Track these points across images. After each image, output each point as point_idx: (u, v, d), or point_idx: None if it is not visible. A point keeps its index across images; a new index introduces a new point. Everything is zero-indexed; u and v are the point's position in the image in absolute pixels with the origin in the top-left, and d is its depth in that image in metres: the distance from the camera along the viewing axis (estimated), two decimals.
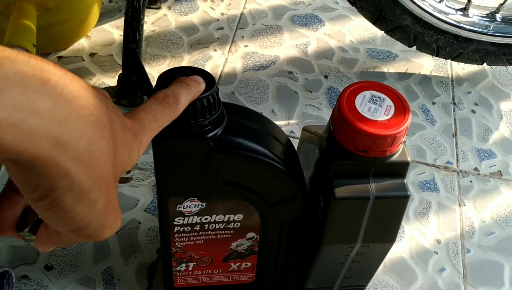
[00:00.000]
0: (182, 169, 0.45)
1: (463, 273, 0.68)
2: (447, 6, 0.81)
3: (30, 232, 0.33)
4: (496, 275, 0.68)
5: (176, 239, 0.52)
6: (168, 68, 0.86)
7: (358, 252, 0.52)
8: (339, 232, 0.49)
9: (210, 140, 0.43)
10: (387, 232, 0.50)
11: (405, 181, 0.47)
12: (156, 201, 0.70)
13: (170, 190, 0.47)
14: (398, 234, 0.51)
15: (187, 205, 0.48)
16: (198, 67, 0.42)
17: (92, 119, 0.26)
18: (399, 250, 0.69)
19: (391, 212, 0.48)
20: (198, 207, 0.49)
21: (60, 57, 0.85)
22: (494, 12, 0.83)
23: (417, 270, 0.67)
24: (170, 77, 0.41)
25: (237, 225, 0.51)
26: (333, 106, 0.84)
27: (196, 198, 0.48)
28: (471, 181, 0.77)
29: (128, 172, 0.72)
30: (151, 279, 0.63)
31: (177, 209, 0.48)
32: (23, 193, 0.27)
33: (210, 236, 0.52)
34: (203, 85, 0.40)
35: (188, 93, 0.37)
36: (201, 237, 0.52)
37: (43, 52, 0.84)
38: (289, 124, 0.81)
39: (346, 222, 0.49)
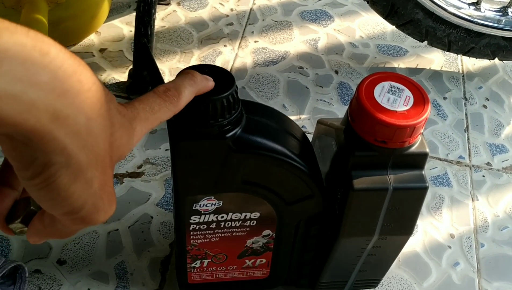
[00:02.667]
0: (200, 168, 0.44)
1: (477, 267, 0.67)
2: (459, 0, 0.81)
3: (23, 223, 0.33)
4: (510, 269, 0.67)
5: (191, 237, 0.52)
6: (178, 63, 0.86)
7: (374, 245, 0.52)
8: (357, 224, 0.49)
9: (229, 140, 0.42)
10: (404, 224, 0.50)
11: (423, 172, 0.47)
12: (168, 196, 0.70)
13: (187, 189, 0.47)
14: None
15: (203, 204, 0.48)
16: (216, 65, 0.41)
17: (91, 95, 0.26)
18: (413, 244, 0.68)
19: (409, 203, 0.48)
20: (214, 205, 0.48)
21: None
22: (506, 6, 0.83)
23: (431, 264, 0.67)
24: None
25: (253, 222, 0.51)
26: (344, 101, 0.84)
27: (213, 197, 0.47)
28: (483, 176, 0.77)
29: (139, 167, 0.72)
30: (164, 273, 0.63)
31: (193, 208, 0.48)
32: (17, 171, 0.26)
33: (225, 234, 0.52)
34: (211, 83, 0.38)
35: (192, 86, 0.36)
36: (216, 235, 0.52)
37: None
38: (300, 119, 0.81)
39: (364, 214, 0.48)
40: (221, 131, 0.41)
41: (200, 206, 0.48)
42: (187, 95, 0.35)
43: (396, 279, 0.65)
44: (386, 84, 0.45)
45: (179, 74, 0.37)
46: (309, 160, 0.48)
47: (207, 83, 0.38)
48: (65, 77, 0.24)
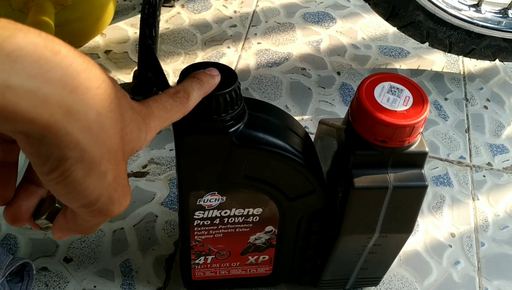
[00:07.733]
0: (203, 163, 0.45)
1: (478, 266, 0.68)
2: (460, 2, 0.82)
3: (48, 220, 0.34)
4: (510, 267, 0.68)
5: (195, 233, 0.53)
6: (182, 65, 0.87)
7: (375, 243, 0.53)
8: (358, 222, 0.50)
9: (232, 135, 0.43)
10: (404, 222, 0.51)
11: (423, 171, 0.48)
12: (172, 195, 0.71)
13: (191, 184, 0.48)
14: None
15: (207, 199, 0.49)
16: (220, 62, 0.42)
17: (100, 92, 0.27)
18: (414, 243, 0.69)
19: (409, 202, 0.49)
20: (218, 201, 0.49)
21: None
22: (507, 8, 0.83)
23: (431, 263, 0.68)
24: (191, 72, 0.41)
25: (256, 218, 0.52)
26: (346, 102, 0.85)
27: (216, 192, 0.48)
28: (484, 176, 0.78)
29: (144, 167, 0.73)
30: (168, 271, 0.64)
31: (197, 203, 0.49)
32: (35, 168, 0.28)
33: (229, 230, 0.53)
34: (217, 78, 0.40)
35: (200, 88, 0.38)
36: (220, 231, 0.53)
37: None
38: (302, 120, 0.82)
39: (364, 212, 0.49)
40: (224, 126, 0.43)
41: (204, 201, 0.49)
42: (195, 97, 0.37)
43: (397, 277, 0.66)
44: (386, 85, 0.46)
45: (186, 77, 0.39)
46: (311, 156, 0.49)
47: (214, 82, 0.40)
48: (74, 74, 0.25)
